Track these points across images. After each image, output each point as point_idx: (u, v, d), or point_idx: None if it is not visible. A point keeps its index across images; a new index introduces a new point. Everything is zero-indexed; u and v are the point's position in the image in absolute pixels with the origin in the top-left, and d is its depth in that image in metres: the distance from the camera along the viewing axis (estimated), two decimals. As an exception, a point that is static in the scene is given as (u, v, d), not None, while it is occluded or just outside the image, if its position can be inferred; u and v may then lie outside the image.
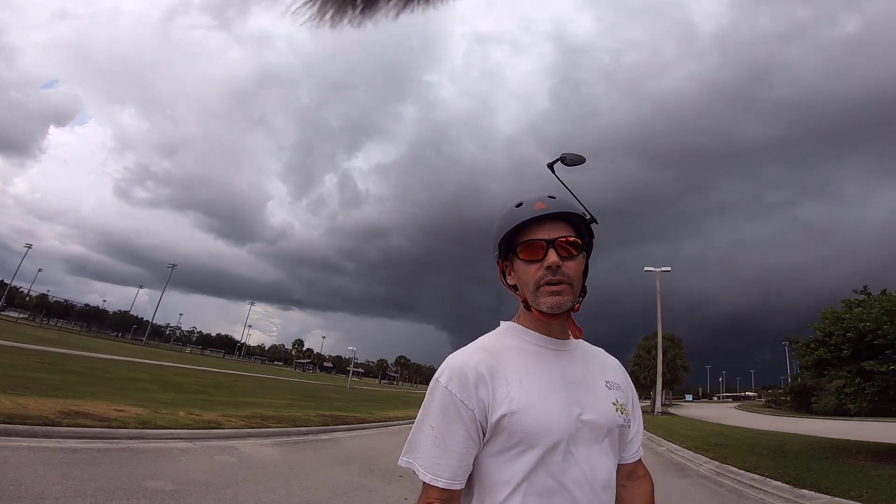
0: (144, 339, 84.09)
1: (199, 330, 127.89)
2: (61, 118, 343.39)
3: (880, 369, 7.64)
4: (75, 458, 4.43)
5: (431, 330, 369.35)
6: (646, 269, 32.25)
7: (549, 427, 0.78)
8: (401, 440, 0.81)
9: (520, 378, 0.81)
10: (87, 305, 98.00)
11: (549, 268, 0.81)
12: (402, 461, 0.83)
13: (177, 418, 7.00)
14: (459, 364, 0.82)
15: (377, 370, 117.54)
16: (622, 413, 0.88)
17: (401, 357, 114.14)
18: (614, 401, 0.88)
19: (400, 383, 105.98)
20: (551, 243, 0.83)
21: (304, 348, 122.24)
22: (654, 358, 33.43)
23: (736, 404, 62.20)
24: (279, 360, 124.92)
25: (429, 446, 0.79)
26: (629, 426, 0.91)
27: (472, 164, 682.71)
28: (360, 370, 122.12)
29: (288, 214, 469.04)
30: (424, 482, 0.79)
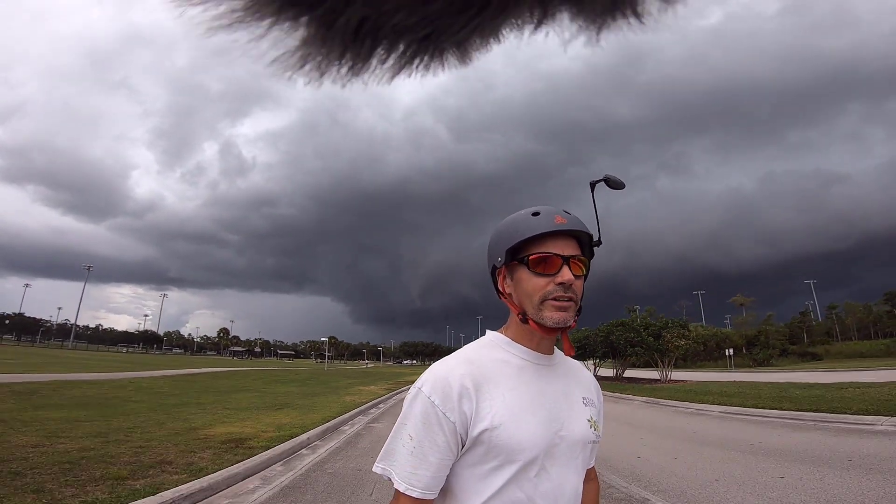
0: (71, 342, 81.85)
1: (70, 322, 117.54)
2: None
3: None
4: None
5: (328, 302, 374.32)
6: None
7: (528, 444, 0.79)
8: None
9: (503, 394, 0.81)
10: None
11: (561, 284, 0.81)
12: (378, 468, 0.81)
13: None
14: (444, 375, 0.81)
15: (309, 351, 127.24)
16: (595, 430, 0.89)
17: (332, 337, 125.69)
18: (589, 417, 0.89)
19: (333, 361, 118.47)
20: (567, 260, 0.82)
21: (231, 335, 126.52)
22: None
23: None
24: (179, 348, 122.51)
25: (406, 455, 0.78)
26: (599, 442, 0.92)
27: (370, 134, 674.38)
28: (292, 352, 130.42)
29: (157, 185, 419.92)
30: (398, 490, 0.78)
